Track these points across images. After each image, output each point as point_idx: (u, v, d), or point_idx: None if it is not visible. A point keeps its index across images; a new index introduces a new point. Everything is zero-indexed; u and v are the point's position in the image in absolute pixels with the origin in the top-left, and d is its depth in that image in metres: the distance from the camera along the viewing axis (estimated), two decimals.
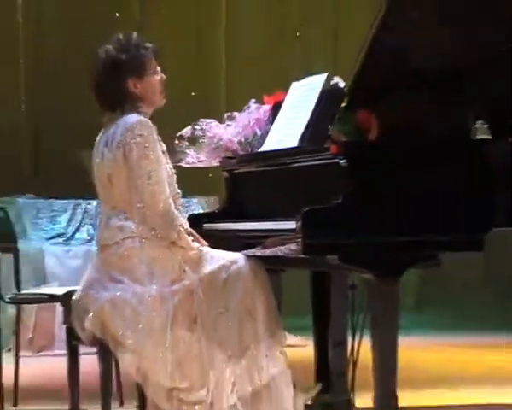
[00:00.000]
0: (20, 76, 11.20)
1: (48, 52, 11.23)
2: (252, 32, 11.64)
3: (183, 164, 5.69)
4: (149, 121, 5.18)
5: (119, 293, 4.96)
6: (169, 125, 5.58)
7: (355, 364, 5.54)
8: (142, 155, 5.07)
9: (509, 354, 8.29)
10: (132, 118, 5.10)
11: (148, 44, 5.33)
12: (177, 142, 5.66)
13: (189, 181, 6.16)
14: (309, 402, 5.44)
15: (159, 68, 5.33)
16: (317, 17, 11.83)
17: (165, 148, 5.30)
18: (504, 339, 9.46)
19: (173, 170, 5.38)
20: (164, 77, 5.35)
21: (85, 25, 11.18)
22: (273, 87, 5.98)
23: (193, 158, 5.66)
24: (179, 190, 5.37)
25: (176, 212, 5.21)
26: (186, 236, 5.20)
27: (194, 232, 5.25)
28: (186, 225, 5.24)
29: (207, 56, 11.31)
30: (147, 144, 5.08)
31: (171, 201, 5.17)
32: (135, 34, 5.47)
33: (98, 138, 5.27)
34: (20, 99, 11.21)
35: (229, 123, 5.76)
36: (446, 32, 5.22)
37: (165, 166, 5.25)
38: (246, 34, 11.63)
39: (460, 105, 5.27)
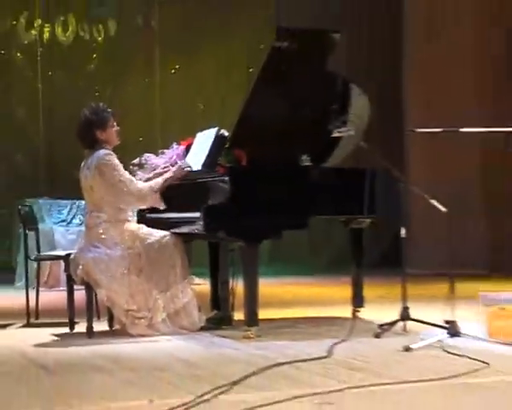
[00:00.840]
0: (40, 118, 12.38)
1: (60, 105, 12.35)
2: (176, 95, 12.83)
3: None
4: (110, 151, 6.69)
5: (97, 254, 6.53)
6: (126, 157, 6.95)
7: (234, 294, 6.89)
8: (112, 170, 6.58)
9: (327, 288, 8.77)
10: (101, 152, 6.67)
11: (109, 109, 6.81)
12: (131, 167, 7.02)
13: None
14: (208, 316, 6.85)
15: (115, 123, 6.79)
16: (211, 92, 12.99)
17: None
18: (323, 279, 10.45)
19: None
20: (118, 128, 6.79)
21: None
22: (186, 135, 7.30)
23: (140, 175, 6.99)
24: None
25: (140, 184, 6.67)
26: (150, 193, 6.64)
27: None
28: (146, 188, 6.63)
29: (149, 113, 12.48)
30: (112, 163, 6.61)
31: (136, 183, 6.66)
32: (102, 103, 6.95)
33: (82, 164, 6.79)
34: (39, 133, 12.32)
35: (162, 156, 7.16)
36: (290, 102, 6.67)
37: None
38: (174, 95, 12.82)
39: (294, 147, 6.65)
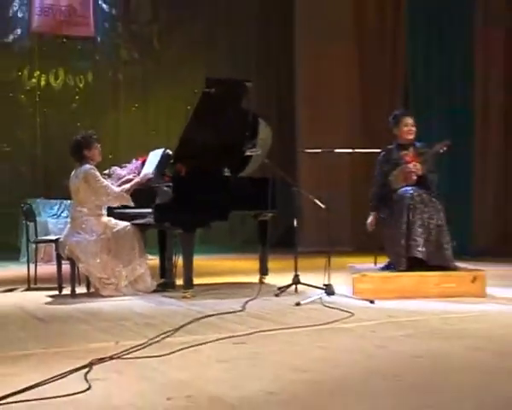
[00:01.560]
0: (38, 141, 12.23)
1: (52, 133, 12.18)
2: (136, 125, 12.86)
3: None
4: (93, 166, 6.60)
5: (79, 238, 6.49)
6: (99, 169, 6.76)
7: (176, 266, 6.87)
8: (95, 179, 6.52)
9: (241, 262, 7.49)
10: (86, 166, 6.58)
11: (95, 136, 6.75)
12: (103, 176, 6.77)
13: None
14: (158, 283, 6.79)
15: (99, 145, 6.74)
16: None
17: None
18: (239, 255, 9.77)
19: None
20: (100, 149, 6.74)
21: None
22: (142, 153, 7.28)
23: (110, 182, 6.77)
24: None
25: (116, 189, 6.57)
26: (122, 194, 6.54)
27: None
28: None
29: (116, 137, 12.42)
30: (95, 174, 6.54)
31: (113, 188, 6.55)
32: (90, 131, 6.91)
33: (72, 173, 6.70)
34: (37, 152, 12.13)
35: (124, 168, 7.10)
36: (216, 130, 6.60)
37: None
38: (134, 125, 12.84)
39: (219, 162, 6.65)
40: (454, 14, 11.08)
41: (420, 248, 6.07)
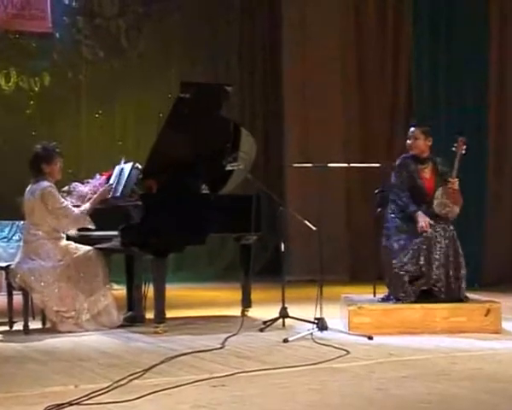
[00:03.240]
0: None
1: (3, 142, 11.70)
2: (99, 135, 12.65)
3: None
4: (51, 185, 6.56)
5: (32, 265, 6.44)
6: (58, 185, 6.72)
7: (145, 297, 6.77)
8: (53, 198, 6.50)
9: (221, 292, 7.34)
10: (44, 183, 6.56)
11: (57, 150, 6.73)
12: (61, 194, 6.75)
13: None
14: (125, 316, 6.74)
15: (61, 160, 6.71)
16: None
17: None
18: (218, 285, 9.68)
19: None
20: (61, 165, 6.71)
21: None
22: (107, 168, 7.26)
23: (69, 201, 6.77)
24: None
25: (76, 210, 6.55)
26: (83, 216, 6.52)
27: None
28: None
29: (77, 149, 12.04)
30: (53, 193, 6.52)
31: (72, 209, 6.53)
32: (53, 143, 6.87)
33: (27, 189, 6.66)
34: None
35: (87, 185, 7.07)
36: (192, 141, 6.63)
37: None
38: (97, 135, 12.64)
39: (195, 178, 6.69)
40: (465, 12, 11.17)
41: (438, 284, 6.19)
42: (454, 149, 6.50)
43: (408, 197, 6.51)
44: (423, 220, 6.31)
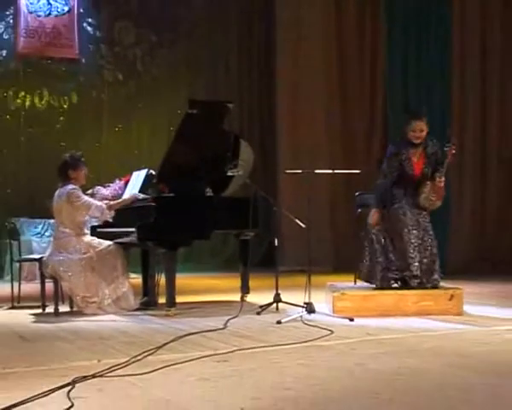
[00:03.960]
0: (21, 153, 12.11)
1: (36, 153, 11.96)
2: (119, 145, 12.72)
3: None
4: (76, 187, 6.58)
5: (61, 258, 6.46)
6: (83, 188, 6.75)
7: (158, 285, 6.89)
8: (76, 198, 6.50)
9: (223, 280, 7.26)
10: (69, 186, 6.57)
11: (82, 159, 6.74)
12: (86, 195, 6.74)
13: None
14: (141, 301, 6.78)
15: (85, 167, 6.73)
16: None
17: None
18: (221, 274, 9.95)
19: None
20: (86, 172, 6.74)
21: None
22: (125, 173, 7.31)
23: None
24: None
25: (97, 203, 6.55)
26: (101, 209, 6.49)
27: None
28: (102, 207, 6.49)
29: (99, 157, 12.10)
30: (76, 194, 6.53)
31: (92, 201, 6.55)
32: (80, 152, 6.88)
33: (56, 194, 6.66)
34: (20, 171, 11.96)
35: (108, 188, 7.11)
36: (198, 151, 6.62)
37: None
38: (117, 145, 12.74)
39: (201, 182, 6.64)
40: (431, 19, 11.26)
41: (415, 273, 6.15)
42: (446, 149, 6.27)
43: (385, 191, 6.33)
44: (372, 218, 6.29)
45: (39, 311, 6.69)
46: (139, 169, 7.03)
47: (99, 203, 6.60)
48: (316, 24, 12.21)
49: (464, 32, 11.23)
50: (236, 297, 7.19)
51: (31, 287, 8.43)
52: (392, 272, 6.25)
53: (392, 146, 6.51)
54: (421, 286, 6.17)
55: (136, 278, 7.48)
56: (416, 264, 6.15)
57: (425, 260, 6.19)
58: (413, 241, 6.17)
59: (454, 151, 6.29)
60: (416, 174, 6.36)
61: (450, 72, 11.11)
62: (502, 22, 11.18)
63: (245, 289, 7.14)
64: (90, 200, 6.62)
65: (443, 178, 6.30)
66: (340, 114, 12.37)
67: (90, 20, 12.93)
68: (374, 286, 6.38)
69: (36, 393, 3.33)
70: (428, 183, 6.31)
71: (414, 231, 6.19)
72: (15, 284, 7.34)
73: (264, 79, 13.51)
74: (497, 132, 11.20)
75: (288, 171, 7.20)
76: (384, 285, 6.26)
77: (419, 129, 6.32)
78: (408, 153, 6.36)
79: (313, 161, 10.90)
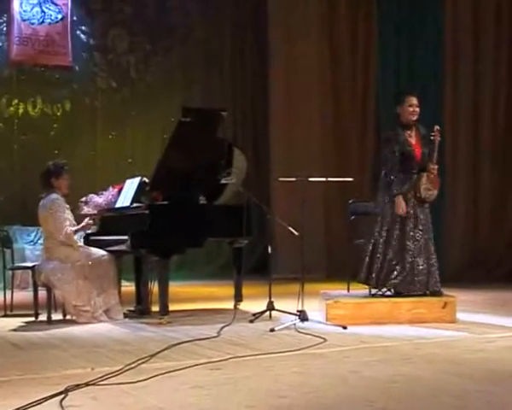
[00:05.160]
0: (14, 161, 12.06)
1: (29, 160, 11.67)
2: (112, 153, 12.69)
3: (82, 212, 6.91)
4: (59, 197, 6.50)
5: (54, 266, 6.45)
6: (76, 195, 6.96)
7: (151, 292, 6.85)
8: (56, 210, 6.45)
9: (217, 288, 7.14)
10: (53, 196, 6.52)
11: (66, 167, 6.65)
12: (79, 203, 6.98)
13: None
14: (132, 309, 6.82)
15: (68, 176, 6.64)
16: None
17: (68, 206, 6.60)
18: (214, 282, 9.18)
19: (72, 215, 6.61)
20: (69, 181, 6.63)
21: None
22: (118, 181, 7.27)
23: (86, 210, 6.92)
24: (74, 222, 6.58)
25: (70, 229, 6.44)
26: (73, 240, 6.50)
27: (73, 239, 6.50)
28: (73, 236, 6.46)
29: (93, 164, 12.23)
30: (58, 205, 6.47)
31: (68, 227, 6.46)
32: (63, 161, 6.80)
33: (40, 204, 6.61)
34: (14, 178, 11.90)
35: (101, 196, 7.11)
36: (192, 159, 6.55)
37: (68, 213, 6.55)
38: (110, 152, 12.69)
39: (195, 190, 6.60)
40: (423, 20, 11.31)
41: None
42: (432, 137, 6.26)
43: (396, 172, 6.23)
44: (400, 207, 6.18)
45: (32, 319, 6.66)
46: (133, 177, 7.02)
47: (69, 230, 6.51)
48: (309, 25, 12.25)
49: (457, 32, 11.28)
50: (230, 305, 7.17)
51: (24, 295, 8.39)
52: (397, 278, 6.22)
53: (388, 131, 6.46)
54: (422, 291, 6.15)
55: (130, 286, 7.44)
56: (421, 267, 6.16)
57: (425, 265, 6.20)
58: (415, 244, 6.18)
59: (438, 137, 6.29)
60: (417, 156, 6.29)
61: (443, 73, 11.16)
62: (494, 23, 11.18)
63: (238, 297, 7.12)
64: (65, 222, 6.52)
65: (436, 166, 6.29)
66: (333, 115, 12.40)
67: (83, 27, 12.93)
68: (369, 292, 6.39)
69: (29, 401, 3.31)
70: (423, 174, 6.27)
71: (418, 234, 6.19)
72: (8, 293, 7.32)
73: (258, 81, 13.52)
74: (489, 133, 11.17)
75: (281, 179, 7.19)
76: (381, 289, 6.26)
77: (415, 104, 6.29)
78: (405, 134, 6.30)
79: (307, 163, 11.03)
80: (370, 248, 6.28)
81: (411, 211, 6.25)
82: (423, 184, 6.25)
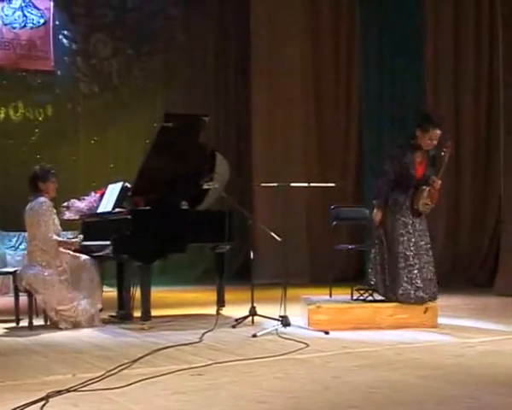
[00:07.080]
0: None
1: (11, 164, 11.71)
2: (95, 158, 12.65)
3: (64, 217, 6.98)
4: (47, 200, 6.47)
5: (36, 271, 6.39)
6: (59, 201, 6.85)
7: (133, 298, 6.75)
8: (43, 213, 6.41)
9: (199, 293, 7.20)
10: (41, 199, 6.48)
11: (53, 171, 6.62)
12: (61, 208, 6.97)
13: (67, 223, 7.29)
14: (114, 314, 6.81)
15: (55, 180, 6.59)
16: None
17: (55, 210, 6.58)
18: (197, 287, 9.23)
19: (58, 220, 6.61)
20: (56, 185, 6.60)
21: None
22: (100, 186, 7.29)
23: (67, 215, 7.00)
24: (60, 228, 6.60)
25: (55, 237, 6.44)
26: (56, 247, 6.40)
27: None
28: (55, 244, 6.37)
29: (75, 169, 12.17)
30: (45, 209, 6.42)
31: (52, 234, 6.44)
32: (50, 165, 6.76)
33: (27, 207, 6.57)
34: None
35: (83, 201, 7.14)
36: (174, 164, 6.54)
37: (54, 218, 6.52)
38: (92, 157, 12.63)
39: (177, 195, 6.63)
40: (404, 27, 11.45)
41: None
42: (443, 153, 6.22)
43: (386, 188, 6.22)
44: (376, 216, 6.21)
45: (13, 325, 6.61)
46: (115, 182, 7.00)
47: (53, 237, 6.49)
48: (292, 27, 12.30)
49: (438, 33, 11.33)
50: (212, 310, 7.15)
51: (5, 300, 8.37)
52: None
53: (397, 148, 6.37)
54: (420, 299, 6.14)
55: (112, 292, 7.39)
56: (416, 272, 6.17)
57: (424, 270, 6.21)
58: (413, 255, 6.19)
59: (449, 152, 6.28)
60: (416, 177, 6.26)
61: (424, 73, 11.21)
62: (475, 23, 11.22)
63: (220, 303, 7.12)
64: (50, 228, 6.49)
65: (440, 181, 6.26)
66: (316, 117, 12.45)
67: (65, 32, 12.89)
68: (351, 297, 6.42)
69: (9, 408, 3.29)
70: (425, 188, 6.25)
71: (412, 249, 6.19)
72: None
73: (241, 85, 13.57)
74: (470, 136, 11.18)
75: (263, 184, 7.20)
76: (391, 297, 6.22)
77: (436, 138, 6.17)
78: (413, 155, 6.23)
79: (288, 167, 11.05)
80: (373, 255, 6.30)
81: (410, 221, 6.24)
82: (423, 199, 6.23)
